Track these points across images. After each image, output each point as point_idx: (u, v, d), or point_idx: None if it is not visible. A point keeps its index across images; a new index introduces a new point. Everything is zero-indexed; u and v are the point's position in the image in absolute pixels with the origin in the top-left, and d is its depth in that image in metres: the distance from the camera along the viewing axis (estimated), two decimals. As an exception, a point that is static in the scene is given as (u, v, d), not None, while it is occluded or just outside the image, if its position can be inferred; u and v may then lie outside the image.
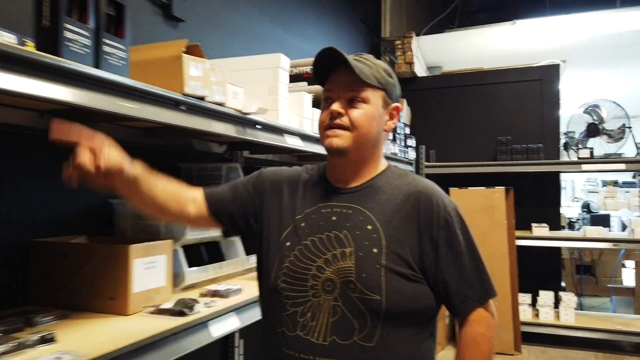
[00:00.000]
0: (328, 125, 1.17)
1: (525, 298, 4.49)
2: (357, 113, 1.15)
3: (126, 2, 1.25)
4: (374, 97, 1.18)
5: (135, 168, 1.11)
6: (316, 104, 2.45)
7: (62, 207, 1.76)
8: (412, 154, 4.15)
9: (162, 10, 2.21)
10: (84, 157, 0.98)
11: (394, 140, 3.69)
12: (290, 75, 2.34)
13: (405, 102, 4.89)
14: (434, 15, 5.91)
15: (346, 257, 1.12)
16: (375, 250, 1.11)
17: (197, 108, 1.52)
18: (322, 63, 1.19)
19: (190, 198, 1.27)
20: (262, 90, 2.05)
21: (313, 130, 2.33)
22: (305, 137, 2.23)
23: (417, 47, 5.29)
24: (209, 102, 1.56)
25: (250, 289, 1.80)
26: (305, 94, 2.31)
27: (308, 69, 2.73)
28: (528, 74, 4.92)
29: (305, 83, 2.68)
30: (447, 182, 4.60)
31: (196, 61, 1.48)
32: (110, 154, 1.02)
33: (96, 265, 1.53)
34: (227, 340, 2.60)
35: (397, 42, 5.13)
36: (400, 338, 1.12)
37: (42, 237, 1.64)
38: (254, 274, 2.14)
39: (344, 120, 1.15)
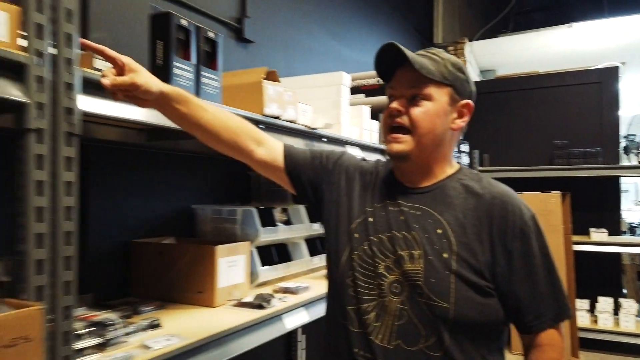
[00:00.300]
0: (389, 126, 1.13)
1: (582, 304, 4.44)
2: (418, 111, 1.09)
3: (219, 39, 1.47)
4: (438, 94, 1.10)
5: (162, 86, 1.09)
6: (374, 114, 2.62)
7: (153, 212, 2.02)
8: (465, 160, 4.22)
9: (235, 34, 2.45)
10: (107, 73, 1.02)
11: (447, 146, 3.78)
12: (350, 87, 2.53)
13: (458, 107, 4.95)
14: (487, 20, 5.92)
15: (414, 260, 1.07)
16: (445, 255, 1.06)
17: (273, 126, 1.73)
18: (385, 61, 1.14)
19: (261, 140, 1.25)
20: (326, 105, 2.24)
21: (371, 140, 2.49)
22: (364, 147, 2.40)
23: (470, 52, 5.33)
24: (283, 120, 1.76)
25: (316, 287, 1.99)
26: (364, 107, 2.48)
27: (365, 81, 2.90)
28: (586, 77, 4.86)
29: (362, 95, 2.85)
30: (501, 186, 4.61)
31: (273, 85, 1.69)
32: (123, 77, 1.02)
33: (187, 263, 1.76)
34: (291, 336, 2.81)
35: (450, 48, 5.20)
36: (467, 351, 1.06)
37: (138, 238, 1.90)
38: (318, 274, 2.34)
39: (404, 120, 1.10)
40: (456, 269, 1.04)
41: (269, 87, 1.65)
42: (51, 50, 0.99)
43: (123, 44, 1.77)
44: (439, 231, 1.08)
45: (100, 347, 1.23)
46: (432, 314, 1.04)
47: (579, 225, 4.47)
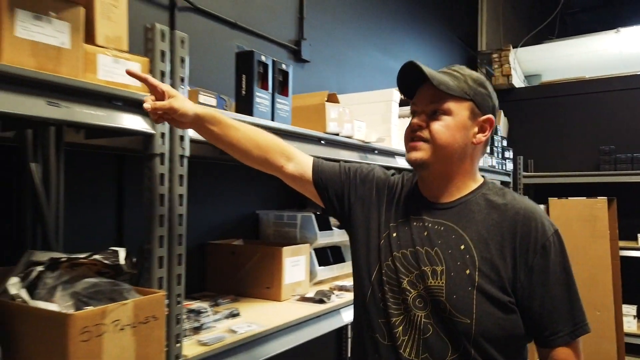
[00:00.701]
0: (410, 138, 1.16)
1: (629, 309, 4.43)
2: (437, 125, 1.12)
3: (290, 69, 1.71)
4: (458, 109, 1.13)
5: (197, 109, 1.16)
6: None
7: (224, 216, 2.29)
8: (509, 166, 4.31)
9: (293, 55, 2.70)
10: (147, 99, 1.11)
11: (491, 152, 3.90)
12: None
13: (502, 113, 5.04)
14: (532, 25, 5.95)
15: (437, 276, 1.10)
16: (468, 271, 1.08)
17: (333, 142, 1.96)
18: (408, 79, 1.18)
19: (291, 156, 1.29)
20: (377, 119, 2.45)
21: (419, 151, 2.68)
22: (412, 158, 2.59)
23: (515, 58, 5.39)
24: (342, 136, 1.99)
25: (370, 285, 2.20)
26: (412, 120, 2.67)
27: (412, 94, 3.09)
28: (634, 82, 4.84)
29: (409, 108, 3.04)
30: (546, 192, 4.67)
31: (334, 106, 1.91)
32: (163, 101, 1.11)
33: (256, 262, 2.01)
34: (341, 332, 3.03)
35: (494, 55, 5.28)
36: None
37: (211, 239, 2.17)
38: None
39: (424, 134, 1.13)
40: (478, 285, 1.06)
41: (330, 108, 1.87)
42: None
43: (216, 78, 2.06)
44: (462, 247, 1.10)
45: (196, 330, 1.49)
46: (456, 329, 1.07)
47: (626, 231, 4.47)
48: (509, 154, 4.36)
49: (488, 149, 3.87)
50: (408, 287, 1.12)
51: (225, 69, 2.07)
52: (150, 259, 1.22)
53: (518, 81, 5.55)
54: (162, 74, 1.22)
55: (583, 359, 1.12)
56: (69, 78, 1.03)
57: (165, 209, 1.23)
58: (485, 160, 3.77)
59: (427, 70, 1.12)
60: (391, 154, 2.41)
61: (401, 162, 2.49)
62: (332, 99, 1.93)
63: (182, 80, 1.28)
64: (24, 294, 1.10)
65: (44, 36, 1.00)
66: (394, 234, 1.18)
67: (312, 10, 2.85)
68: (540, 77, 6.20)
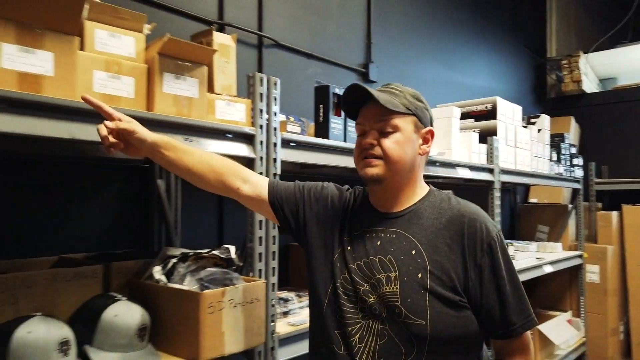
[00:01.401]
0: (363, 156, 1.18)
1: None
2: (388, 142, 1.15)
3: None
4: (404, 124, 1.17)
5: (153, 136, 1.18)
6: (483, 137, 2.99)
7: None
8: (579, 173, 4.32)
9: (362, 77, 3.01)
10: (102, 127, 1.11)
11: (558, 161, 3.96)
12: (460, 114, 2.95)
13: (572, 120, 5.03)
14: (604, 28, 5.84)
15: (391, 282, 1.12)
16: (419, 275, 1.11)
17: (397, 157, 2.23)
18: (351, 100, 1.22)
19: (246, 178, 1.30)
20: (439, 134, 2.69)
21: (480, 161, 2.88)
22: (473, 168, 2.80)
23: (586, 63, 5.34)
24: (405, 152, 2.26)
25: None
26: (473, 133, 2.88)
27: (475, 107, 3.29)
28: None
29: (472, 120, 3.24)
30: (620, 199, 4.62)
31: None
32: (123, 122, 1.13)
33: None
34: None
35: (564, 61, 5.27)
36: None
37: (293, 242, 2.51)
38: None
39: (377, 151, 1.16)
40: (430, 287, 1.10)
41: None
42: (264, 123, 1.60)
43: (295, 102, 2.41)
44: (413, 252, 1.14)
45: (284, 314, 1.83)
46: (411, 333, 1.09)
47: None
48: (577, 160, 4.38)
49: (555, 157, 3.94)
50: (364, 296, 1.14)
51: (302, 93, 2.42)
52: (252, 255, 1.58)
53: (590, 86, 5.48)
54: (260, 111, 1.58)
55: (530, 351, 1.19)
56: (197, 120, 1.40)
57: (263, 216, 1.58)
58: (552, 168, 3.84)
59: (373, 91, 1.16)
60: (452, 165, 2.64)
61: (462, 173, 2.71)
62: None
63: (275, 113, 1.62)
64: (163, 279, 1.49)
65: (181, 90, 1.38)
66: (349, 247, 1.21)
67: (379, 35, 3.15)
68: (616, 80, 6.05)
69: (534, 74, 5.38)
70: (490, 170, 2.97)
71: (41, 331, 1.19)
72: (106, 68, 1.24)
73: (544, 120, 3.75)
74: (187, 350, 1.36)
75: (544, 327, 3.56)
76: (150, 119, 1.29)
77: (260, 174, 1.57)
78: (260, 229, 1.58)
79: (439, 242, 1.14)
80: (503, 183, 3.14)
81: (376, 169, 1.17)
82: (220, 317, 1.37)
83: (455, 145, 2.70)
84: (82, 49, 1.21)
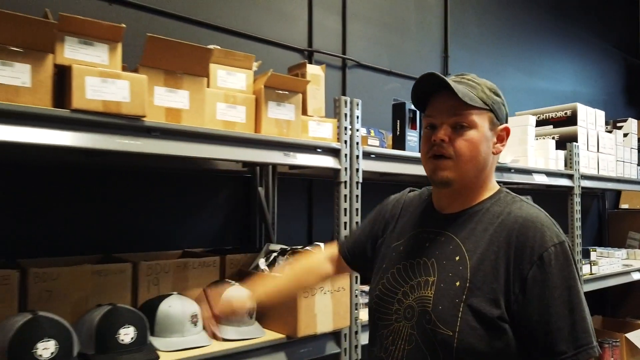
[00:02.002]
0: (432, 154, 1.08)
1: None
2: (462, 140, 1.05)
3: (433, 112, 2.23)
4: (481, 120, 1.07)
5: (255, 298, 1.39)
6: (562, 144, 3.05)
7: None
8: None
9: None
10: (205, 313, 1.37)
11: (646, 164, 3.83)
12: (537, 121, 3.02)
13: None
14: None
15: (428, 287, 1.06)
16: (457, 283, 1.02)
17: (471, 165, 2.41)
18: (421, 89, 1.11)
19: (324, 261, 1.40)
20: (513, 141, 2.81)
21: (557, 167, 2.94)
22: (549, 174, 2.87)
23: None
24: (479, 160, 2.42)
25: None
26: (550, 140, 2.96)
27: (554, 114, 3.33)
28: None
29: (551, 126, 3.29)
30: None
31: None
32: (223, 305, 1.38)
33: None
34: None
35: (659, 60, 5.02)
36: None
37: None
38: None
39: (448, 150, 1.06)
40: (466, 298, 1.00)
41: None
42: (348, 139, 1.87)
43: (375, 114, 2.67)
44: (457, 258, 1.05)
45: (365, 305, 2.08)
46: (437, 341, 1.01)
47: None
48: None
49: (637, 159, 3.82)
50: (401, 298, 1.10)
51: (382, 107, 2.66)
52: (339, 251, 1.85)
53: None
54: (345, 128, 1.85)
55: None
56: (294, 138, 1.71)
57: (347, 218, 1.84)
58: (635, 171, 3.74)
59: (451, 81, 1.06)
60: (528, 172, 2.75)
61: (538, 179, 2.80)
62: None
63: (357, 130, 1.89)
64: (267, 269, 1.80)
65: (281, 114, 1.69)
66: (401, 248, 1.17)
67: (456, 47, 3.31)
68: None
69: (626, 76, 5.17)
70: (570, 176, 3.02)
71: (178, 306, 1.54)
72: (225, 100, 1.58)
73: (631, 124, 3.68)
74: (287, 328, 1.66)
75: (633, 336, 3.49)
76: (258, 139, 1.62)
77: (345, 182, 1.85)
78: (345, 229, 1.85)
79: (486, 250, 1.03)
80: (586, 189, 3.15)
81: (447, 172, 1.07)
82: (313, 301, 1.66)
83: (531, 152, 2.80)
84: (208, 86, 1.56)
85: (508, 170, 2.63)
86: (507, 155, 2.59)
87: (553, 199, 3.55)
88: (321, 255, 1.43)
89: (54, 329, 1.26)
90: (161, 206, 2.06)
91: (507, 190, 1.15)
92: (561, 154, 3.01)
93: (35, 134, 1.19)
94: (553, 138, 3.19)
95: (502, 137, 1.13)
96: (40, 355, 1.22)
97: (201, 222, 2.17)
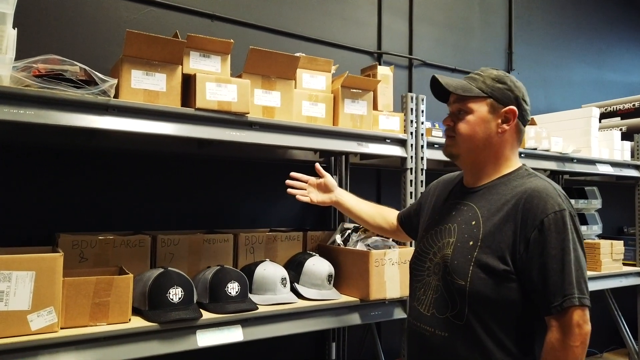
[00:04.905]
0: (445, 135, 1.40)
1: None
2: (461, 124, 1.32)
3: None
4: (477, 106, 1.30)
5: (338, 196, 1.75)
6: (629, 135, 3.09)
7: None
8: None
9: (502, 84, 3.33)
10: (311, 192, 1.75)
11: None
12: (604, 113, 3.09)
13: None
14: None
15: (449, 246, 1.30)
16: (471, 242, 1.26)
17: (532, 154, 2.56)
18: (440, 89, 1.37)
19: (393, 216, 1.77)
20: (577, 133, 2.91)
21: (623, 158, 3.00)
22: (615, 164, 2.94)
23: None
24: (540, 150, 2.57)
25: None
26: (615, 131, 3.02)
27: (622, 106, 3.36)
28: None
29: (618, 118, 3.33)
30: None
31: (531, 127, 2.52)
32: (320, 192, 1.75)
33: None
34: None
35: None
36: (484, 322, 1.22)
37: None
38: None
39: (451, 131, 1.36)
40: (477, 254, 1.23)
41: (528, 129, 2.50)
42: (413, 130, 2.12)
43: (440, 110, 2.89)
44: (473, 222, 1.29)
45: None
46: (454, 289, 1.25)
47: None
48: None
49: None
50: (432, 257, 1.35)
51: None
52: (405, 229, 2.10)
53: None
54: (411, 121, 2.10)
55: (577, 331, 1.15)
56: (366, 130, 1.99)
57: (412, 200, 2.09)
58: None
59: (444, 80, 1.33)
60: (591, 162, 2.84)
61: (602, 169, 2.88)
62: (531, 122, 2.54)
63: (422, 123, 2.13)
64: (342, 244, 2.09)
65: (355, 110, 1.97)
66: (436, 216, 1.43)
67: (520, 43, 3.43)
68: None
69: None
70: (637, 167, 3.06)
71: (271, 269, 1.87)
72: (309, 99, 1.89)
73: None
74: (360, 292, 1.94)
75: None
76: (336, 131, 1.91)
77: (410, 169, 2.10)
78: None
79: (497, 215, 1.25)
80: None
81: (449, 147, 1.37)
82: (382, 270, 1.93)
83: (594, 143, 2.89)
84: (295, 87, 1.87)
85: (570, 160, 2.75)
86: (570, 146, 2.71)
87: (619, 191, 3.57)
88: (393, 213, 1.81)
89: (181, 280, 1.62)
90: (252, 192, 2.41)
91: (528, 168, 1.35)
92: (627, 145, 3.05)
93: (169, 128, 1.55)
94: (620, 130, 3.23)
95: (508, 117, 1.31)
96: (172, 299, 1.58)
97: (283, 205, 2.50)
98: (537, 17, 3.60)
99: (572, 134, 2.89)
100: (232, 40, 1.68)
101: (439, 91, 1.38)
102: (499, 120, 1.31)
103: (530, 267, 1.19)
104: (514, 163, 1.36)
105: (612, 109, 3.37)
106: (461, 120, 1.32)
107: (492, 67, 1.39)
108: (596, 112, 2.91)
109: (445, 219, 1.37)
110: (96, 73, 1.43)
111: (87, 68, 1.45)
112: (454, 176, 1.53)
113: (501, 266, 1.20)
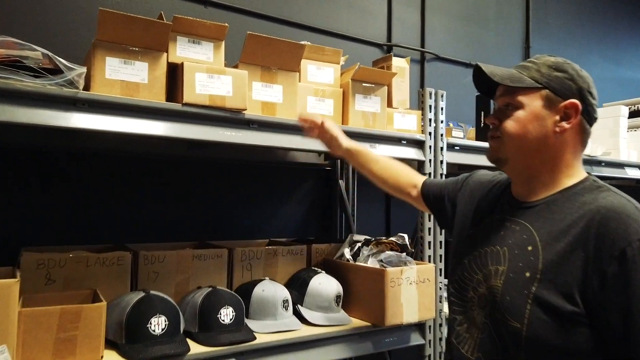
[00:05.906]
0: (489, 136, 1.14)
1: None
2: (509, 121, 1.07)
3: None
4: (529, 100, 1.05)
5: (348, 143, 1.50)
6: (656, 137, 2.86)
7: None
8: None
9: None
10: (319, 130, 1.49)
11: None
12: (630, 112, 2.85)
13: None
14: None
15: (498, 276, 1.05)
16: (527, 274, 0.99)
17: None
18: (483, 80, 1.11)
19: (417, 184, 1.47)
20: (604, 133, 2.67)
21: (653, 161, 2.77)
22: (644, 168, 2.71)
23: None
24: (566, 152, 2.33)
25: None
26: (643, 132, 2.78)
27: (647, 104, 3.13)
28: None
29: (643, 118, 3.09)
30: None
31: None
32: (329, 131, 1.48)
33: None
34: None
35: None
36: None
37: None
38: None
39: (498, 131, 1.10)
40: (536, 290, 0.97)
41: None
42: (432, 130, 1.87)
43: (455, 106, 2.63)
44: (530, 248, 1.02)
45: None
46: (507, 332, 1.00)
47: None
48: None
49: None
50: (476, 286, 1.10)
51: (461, 100, 2.63)
52: (422, 243, 1.86)
53: None
54: (429, 120, 1.86)
55: None
56: (380, 130, 1.74)
57: (429, 212, 1.85)
58: None
59: (488, 69, 1.09)
60: (619, 165, 2.60)
61: (631, 173, 2.65)
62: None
63: (442, 122, 1.89)
64: (351, 259, 1.85)
65: (367, 107, 1.73)
66: (477, 233, 1.17)
67: (537, 38, 3.19)
68: None
69: None
70: (667, 170, 2.82)
71: (271, 290, 1.62)
72: (315, 94, 1.64)
73: None
74: (373, 316, 1.69)
75: None
76: (346, 130, 1.65)
77: (429, 174, 1.85)
78: (429, 220, 1.86)
79: (561, 240, 0.98)
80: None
81: (495, 150, 1.11)
82: (399, 291, 1.68)
83: (623, 144, 2.65)
84: (299, 80, 1.62)
85: (598, 163, 2.51)
86: (598, 148, 2.47)
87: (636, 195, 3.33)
88: (417, 176, 1.51)
89: (164, 307, 1.37)
90: (248, 197, 2.16)
91: (595, 179, 1.08)
92: (657, 147, 2.82)
93: (151, 127, 1.30)
94: (647, 130, 3.00)
95: (569, 114, 1.04)
96: (154, 331, 1.33)
97: (285, 213, 2.26)
98: (554, 9, 3.36)
99: (600, 135, 2.65)
100: (226, 24, 1.43)
101: (483, 83, 1.12)
102: (557, 117, 1.04)
103: (608, 309, 0.92)
104: (578, 172, 1.08)
105: (636, 107, 3.13)
106: (509, 117, 1.06)
107: (511, 61, 1.10)
108: (625, 111, 2.68)
109: (491, 239, 1.10)
110: (60, 59, 1.18)
111: (50, 54, 1.20)
112: (495, 179, 1.26)
113: (568, 306, 0.93)
